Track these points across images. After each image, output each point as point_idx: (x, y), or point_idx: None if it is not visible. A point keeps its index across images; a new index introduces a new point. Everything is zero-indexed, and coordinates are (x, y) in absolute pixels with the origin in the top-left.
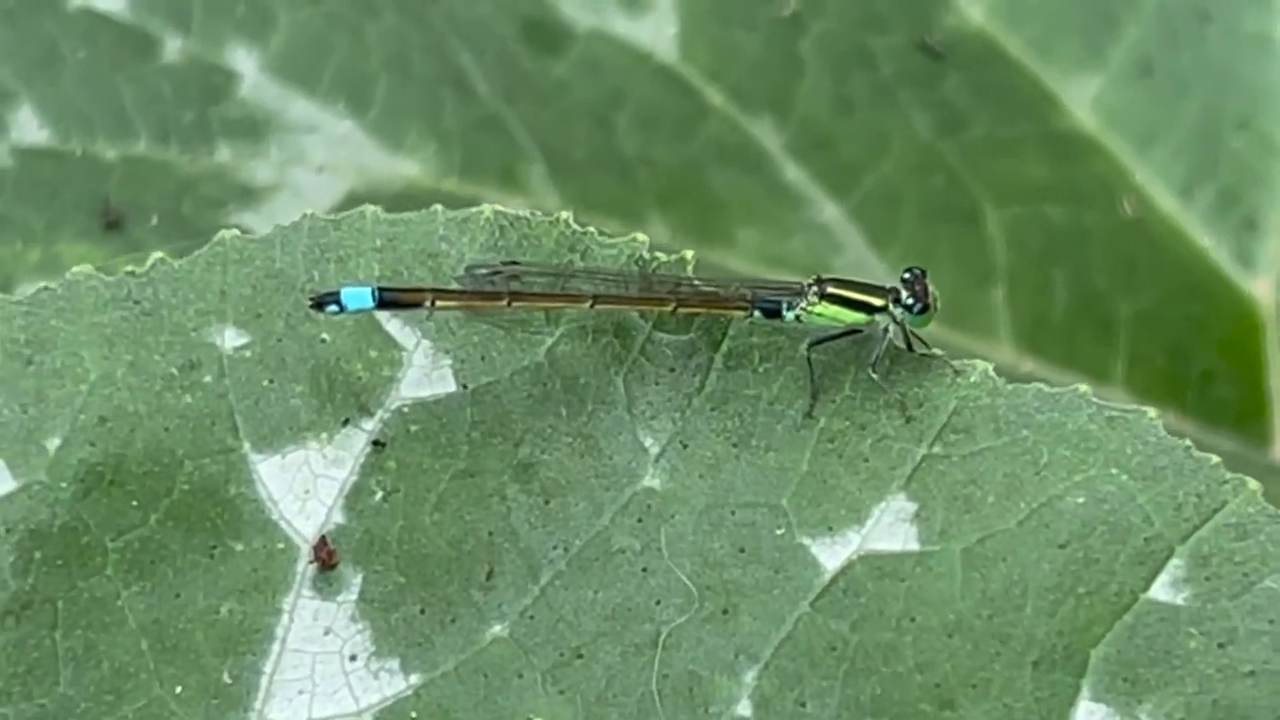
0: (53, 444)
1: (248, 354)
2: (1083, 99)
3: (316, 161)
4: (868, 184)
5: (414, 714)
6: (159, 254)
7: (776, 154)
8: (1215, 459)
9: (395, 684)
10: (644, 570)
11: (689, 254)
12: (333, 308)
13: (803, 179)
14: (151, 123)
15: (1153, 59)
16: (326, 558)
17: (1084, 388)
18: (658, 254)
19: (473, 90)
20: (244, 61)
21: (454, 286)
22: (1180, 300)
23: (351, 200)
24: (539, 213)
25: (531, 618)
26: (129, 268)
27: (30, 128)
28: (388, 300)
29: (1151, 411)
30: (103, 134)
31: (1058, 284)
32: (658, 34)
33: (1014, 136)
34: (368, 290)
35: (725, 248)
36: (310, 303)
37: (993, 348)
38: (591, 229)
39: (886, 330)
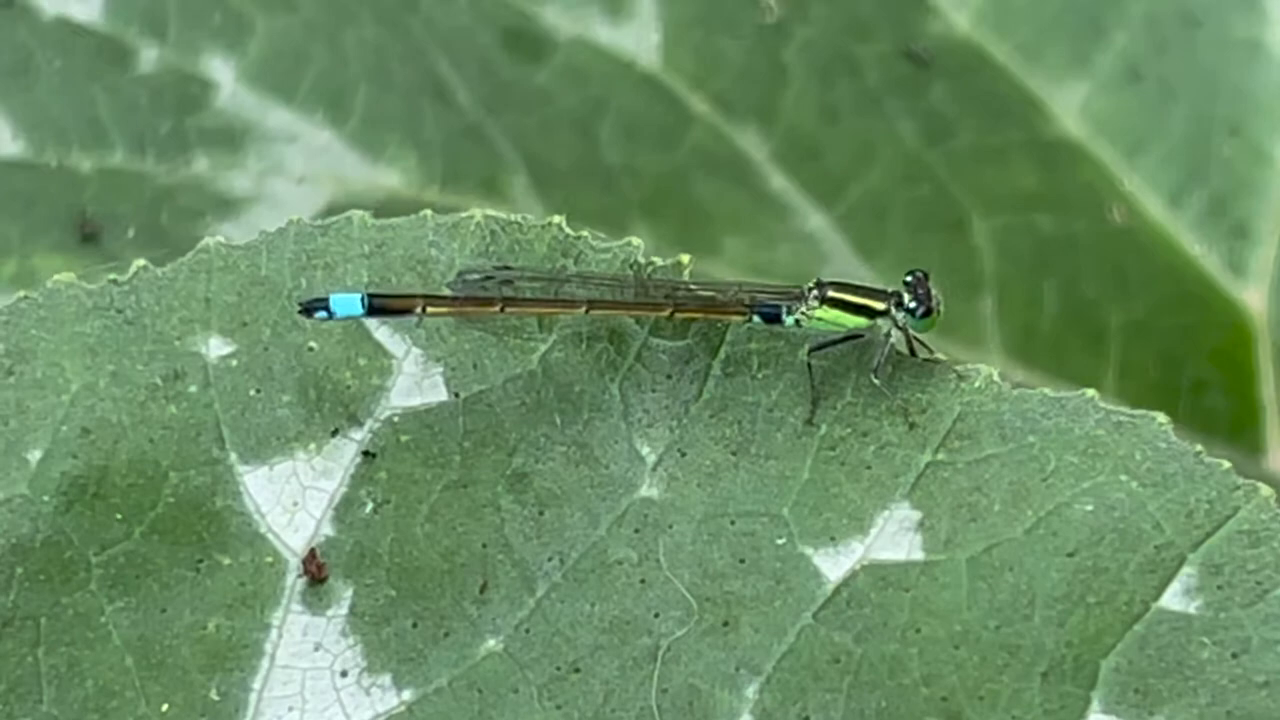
0: (34, 456)
1: (233, 363)
2: (1070, 106)
3: (296, 172)
4: (854, 193)
5: None
6: (141, 261)
7: (762, 163)
8: (1226, 464)
9: (387, 700)
10: (642, 582)
11: (685, 258)
12: (322, 314)
13: (788, 188)
14: (128, 133)
15: (1141, 65)
16: (316, 571)
17: (1091, 392)
18: (653, 259)
19: (453, 100)
20: (221, 71)
21: (445, 292)
22: (1171, 309)
23: (331, 211)
24: (530, 217)
25: (527, 631)
26: (111, 276)
27: (4, 139)
28: (378, 307)
29: (1161, 416)
30: (78, 145)
31: (1047, 293)
32: (640, 42)
33: (1001, 144)
34: (357, 297)
35: (711, 257)
36: (299, 309)
37: (982, 358)
38: (585, 233)
39: (888, 335)
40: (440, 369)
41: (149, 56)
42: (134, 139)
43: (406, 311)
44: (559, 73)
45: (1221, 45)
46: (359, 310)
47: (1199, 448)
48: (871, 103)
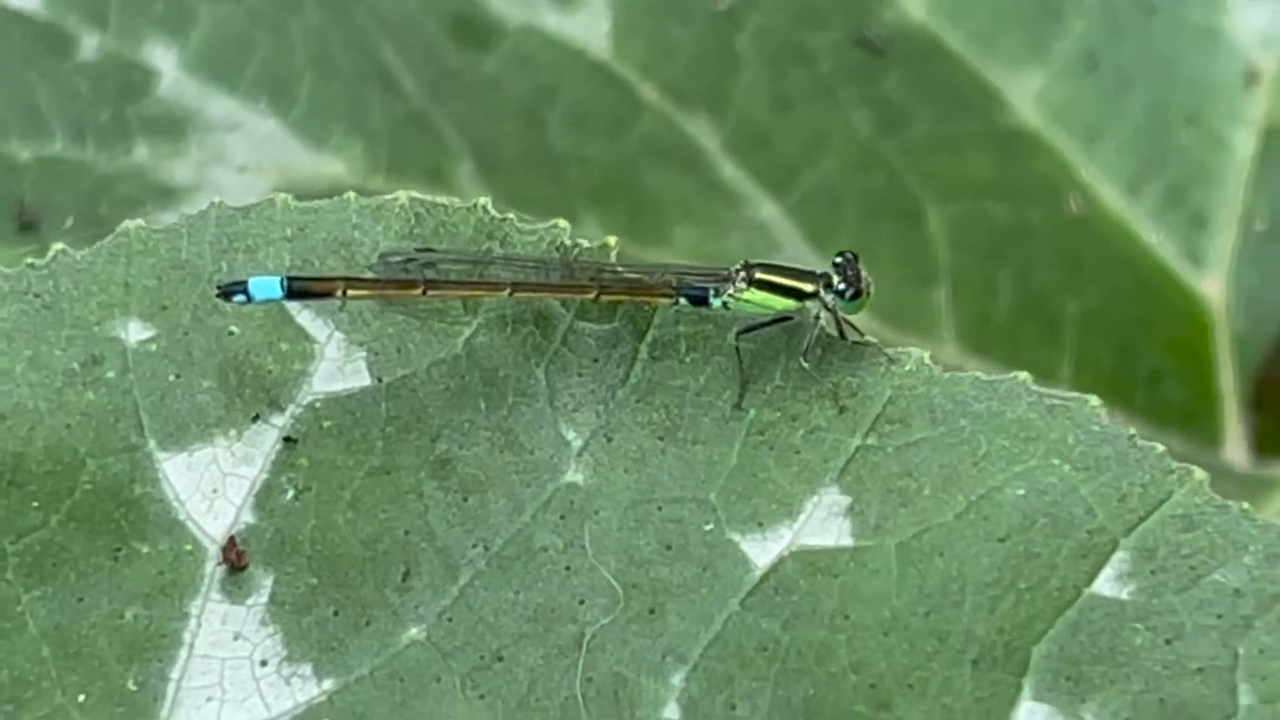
0: None
1: (153, 348)
2: (1026, 94)
3: (238, 161)
4: (807, 182)
5: None
6: (59, 245)
7: (713, 152)
8: (1160, 448)
9: (308, 689)
10: (567, 569)
11: (611, 240)
12: (240, 297)
13: (740, 177)
14: (68, 122)
15: (1098, 53)
16: (236, 559)
17: (1024, 375)
18: (580, 240)
19: (399, 88)
20: (163, 58)
21: (367, 275)
22: (1128, 299)
23: None
24: (455, 200)
25: (450, 619)
26: (29, 260)
27: None
28: (297, 290)
29: (1093, 399)
30: (17, 134)
31: (1002, 283)
32: (590, 29)
33: (956, 133)
34: (276, 280)
35: (661, 247)
36: (217, 292)
37: (936, 348)
38: (511, 215)
39: (818, 317)
40: (363, 353)
41: (89, 44)
42: (74, 127)
43: (327, 294)
44: (507, 61)
45: (1179, 32)
46: (278, 293)
47: (1132, 431)
48: (824, 91)
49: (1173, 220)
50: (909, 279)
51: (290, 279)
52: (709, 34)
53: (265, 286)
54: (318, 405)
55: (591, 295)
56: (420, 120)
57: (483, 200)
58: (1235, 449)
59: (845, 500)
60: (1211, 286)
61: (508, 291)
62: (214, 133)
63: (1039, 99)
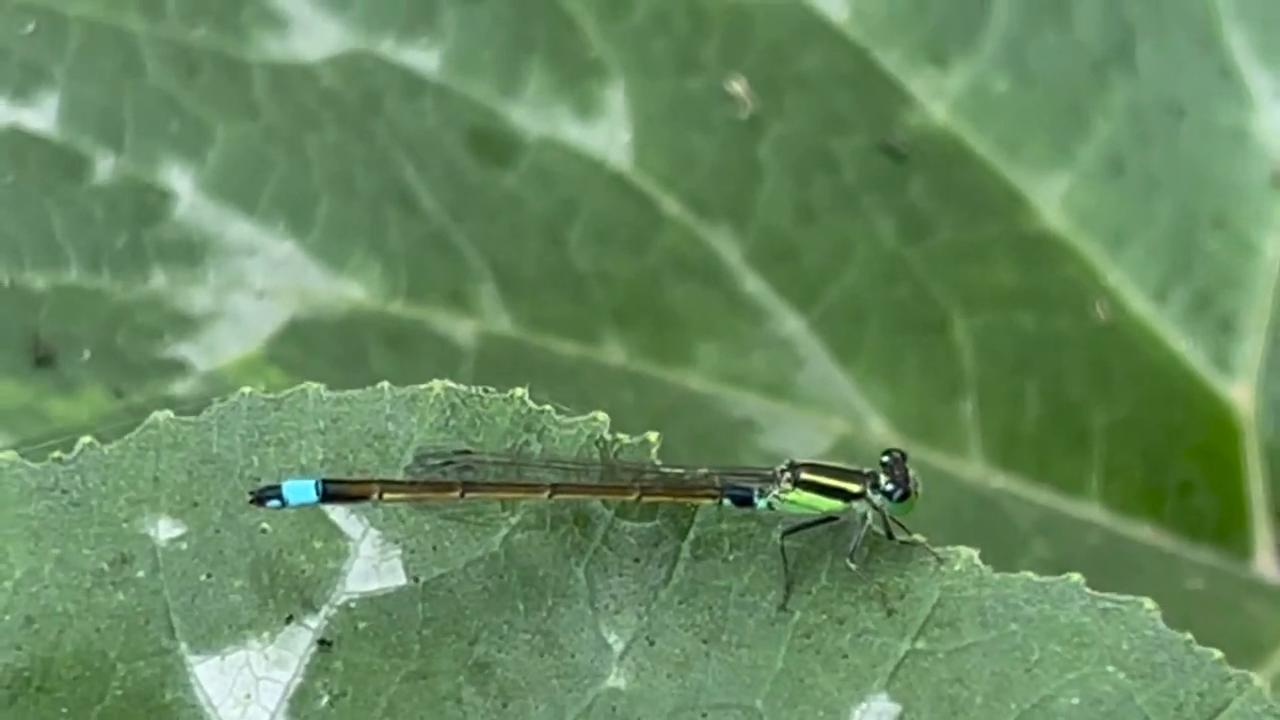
0: None
1: (183, 546)
2: (1052, 199)
3: (256, 286)
4: (830, 295)
5: None
6: (87, 438)
7: (735, 265)
8: (1217, 654)
9: None
10: None
11: (652, 436)
12: (274, 502)
13: (763, 290)
14: (83, 249)
15: (1124, 156)
16: None
17: (1076, 577)
18: (619, 436)
19: (418, 207)
20: (179, 180)
21: (402, 476)
22: (1156, 407)
23: (294, 328)
24: (491, 390)
25: None
26: (56, 454)
27: None
28: (332, 493)
29: (1148, 603)
30: (31, 262)
31: (1029, 394)
32: (610, 141)
33: (981, 240)
34: (311, 483)
35: (684, 365)
36: (250, 497)
37: (963, 464)
38: (548, 407)
39: (865, 516)
40: (398, 551)
41: (105, 166)
42: (89, 255)
43: (363, 498)
44: (527, 175)
45: (1206, 135)
46: (313, 497)
47: (1189, 636)
48: (848, 200)
49: (1200, 326)
50: (935, 392)
51: (325, 482)
52: (730, 143)
53: (300, 491)
54: (352, 605)
55: (633, 496)
56: (440, 240)
57: (519, 391)
58: (1266, 561)
59: (895, 708)
60: (1240, 393)
61: (548, 493)
62: (232, 257)
63: (1064, 203)
